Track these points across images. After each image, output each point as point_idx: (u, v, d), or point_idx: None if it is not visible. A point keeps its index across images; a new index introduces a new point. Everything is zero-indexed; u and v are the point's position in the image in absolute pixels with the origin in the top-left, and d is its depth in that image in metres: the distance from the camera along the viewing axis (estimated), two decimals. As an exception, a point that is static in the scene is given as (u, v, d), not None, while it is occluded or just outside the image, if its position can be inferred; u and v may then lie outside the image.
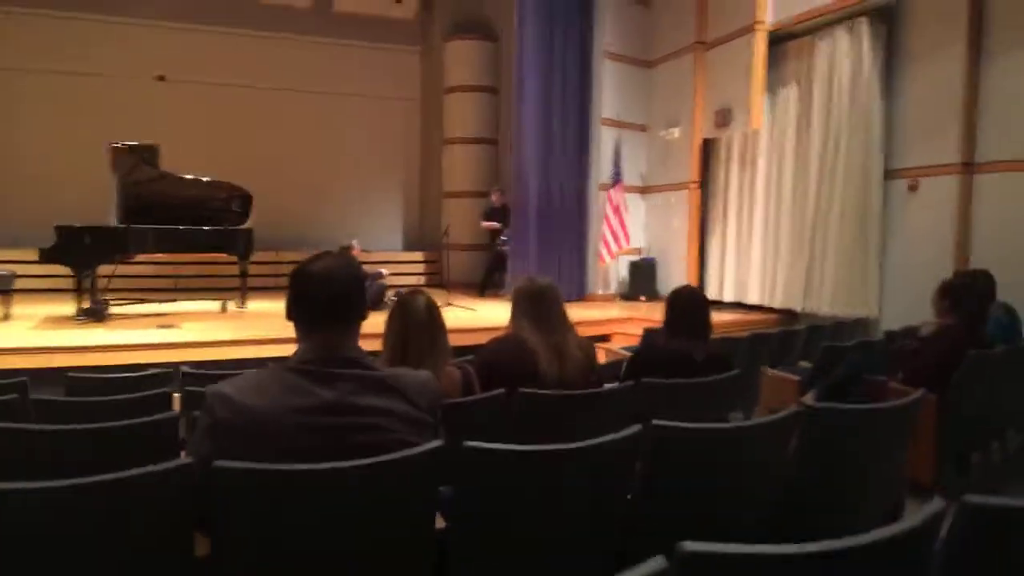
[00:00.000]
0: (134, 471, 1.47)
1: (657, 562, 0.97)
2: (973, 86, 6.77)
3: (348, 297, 1.78)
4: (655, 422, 1.88)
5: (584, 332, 7.62)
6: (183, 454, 2.16)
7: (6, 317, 7.23)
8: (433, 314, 2.55)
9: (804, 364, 4.91)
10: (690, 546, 1.02)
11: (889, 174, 7.58)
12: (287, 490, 1.57)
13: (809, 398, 4.08)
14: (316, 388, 1.69)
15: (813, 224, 8.17)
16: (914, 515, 1.18)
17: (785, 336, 5.63)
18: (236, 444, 1.63)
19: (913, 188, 7.35)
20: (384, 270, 9.39)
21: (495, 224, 10.38)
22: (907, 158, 7.44)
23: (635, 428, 1.87)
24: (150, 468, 1.50)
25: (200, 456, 1.64)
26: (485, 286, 10.55)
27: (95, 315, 7.21)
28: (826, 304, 7.96)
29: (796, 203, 8.51)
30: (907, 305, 6.89)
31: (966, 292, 3.96)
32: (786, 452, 2.14)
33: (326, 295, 1.76)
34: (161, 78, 11.74)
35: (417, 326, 2.49)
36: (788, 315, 8.61)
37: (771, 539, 2.03)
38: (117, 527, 1.50)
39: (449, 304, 8.80)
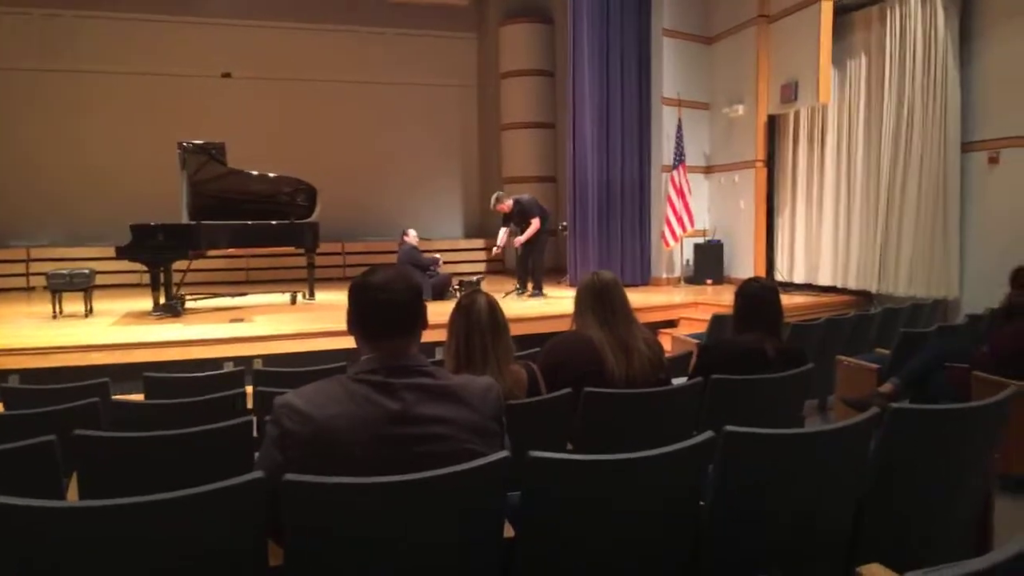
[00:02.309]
0: (206, 488, 1.49)
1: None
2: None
3: (408, 307, 1.78)
4: (728, 428, 1.82)
5: (650, 318, 7.61)
6: (256, 459, 2.22)
7: (88, 313, 7.54)
8: (495, 315, 2.52)
9: (881, 351, 4.73)
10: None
11: (967, 146, 7.24)
12: (356, 502, 1.57)
13: (888, 388, 3.94)
14: (381, 399, 1.69)
15: (887, 201, 7.86)
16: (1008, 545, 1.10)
17: (859, 321, 5.44)
18: (304, 455, 1.65)
19: (994, 160, 7.00)
20: (438, 256, 9.35)
21: (506, 228, 9.01)
22: (986, 129, 7.08)
23: (707, 435, 1.81)
24: (222, 484, 1.51)
25: (270, 467, 1.65)
26: (525, 286, 9.03)
27: (171, 310, 7.46)
28: (902, 285, 7.65)
29: (868, 179, 8.19)
30: (990, 286, 6.56)
31: None
32: (866, 454, 2.05)
33: (386, 306, 1.75)
34: (227, 75, 12.00)
35: (479, 328, 2.47)
36: (862, 297, 8.32)
37: (854, 544, 1.97)
38: (192, 540, 1.52)
39: (516, 293, 8.77)
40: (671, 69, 10.06)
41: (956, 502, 2.10)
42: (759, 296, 3.06)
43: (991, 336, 3.91)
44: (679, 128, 9.91)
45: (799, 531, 1.90)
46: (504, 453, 1.68)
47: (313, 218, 8.74)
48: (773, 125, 9.61)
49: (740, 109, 9.77)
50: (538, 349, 3.40)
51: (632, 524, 1.78)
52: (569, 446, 2.62)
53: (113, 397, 3.47)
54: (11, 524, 1.43)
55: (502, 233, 9.06)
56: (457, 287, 8.79)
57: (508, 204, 8.74)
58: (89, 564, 1.46)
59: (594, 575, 1.78)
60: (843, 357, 4.50)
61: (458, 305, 2.58)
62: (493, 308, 2.54)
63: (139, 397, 3.72)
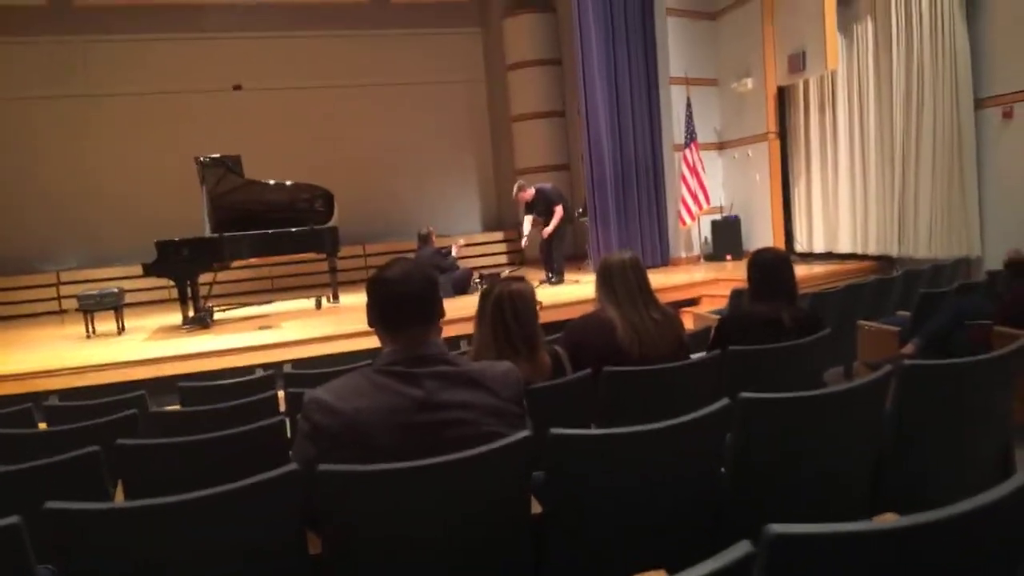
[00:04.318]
0: (245, 482, 1.57)
1: (743, 547, 0.98)
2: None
3: (425, 298, 1.84)
4: (742, 395, 1.87)
5: (671, 297, 7.63)
6: (291, 454, 2.30)
7: (120, 331, 7.71)
8: (518, 302, 2.56)
9: (903, 313, 4.73)
10: (777, 528, 1.02)
11: (980, 103, 7.14)
12: (387, 488, 1.64)
13: (909, 349, 3.95)
14: (405, 388, 1.76)
15: (903, 163, 7.80)
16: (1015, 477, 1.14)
17: (880, 285, 5.43)
18: (336, 446, 1.72)
19: (1008, 115, 6.91)
20: (454, 246, 9.34)
21: (530, 217, 8.97)
22: (999, 84, 6.99)
23: (722, 402, 1.86)
24: (260, 477, 1.59)
25: (304, 460, 1.73)
26: (552, 273, 9.04)
27: (201, 322, 7.60)
28: (923, 247, 7.60)
29: (882, 143, 8.13)
30: (1013, 242, 6.50)
31: None
32: (881, 412, 2.08)
33: (403, 298, 1.82)
34: (238, 87, 12.14)
35: (506, 315, 2.52)
36: (884, 262, 8.27)
37: (873, 503, 2.01)
38: (235, 534, 1.60)
39: (548, 282, 8.82)
40: (677, 48, 10.02)
41: (975, 453, 2.13)
42: (772, 265, 3.09)
43: (1012, 292, 3.90)
44: (688, 106, 9.88)
45: (819, 491, 1.94)
46: (525, 432, 1.74)
47: (332, 223, 8.85)
48: (783, 96, 9.56)
49: (749, 83, 9.72)
50: (560, 335, 3.45)
51: (653, 494, 1.83)
52: (592, 425, 2.67)
53: (150, 409, 3.59)
54: (66, 528, 1.52)
55: (526, 223, 9.07)
56: (478, 280, 8.85)
57: (530, 192, 8.80)
58: (138, 562, 1.55)
59: (622, 544, 1.84)
60: (864, 322, 4.51)
61: (485, 293, 2.63)
62: (518, 295, 2.58)
63: (176, 408, 3.83)
